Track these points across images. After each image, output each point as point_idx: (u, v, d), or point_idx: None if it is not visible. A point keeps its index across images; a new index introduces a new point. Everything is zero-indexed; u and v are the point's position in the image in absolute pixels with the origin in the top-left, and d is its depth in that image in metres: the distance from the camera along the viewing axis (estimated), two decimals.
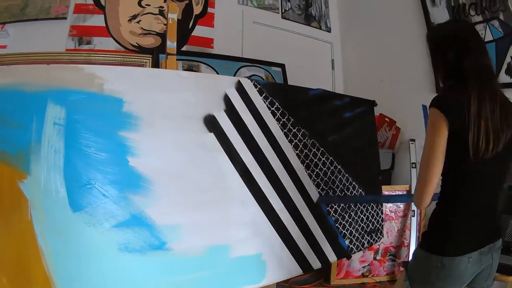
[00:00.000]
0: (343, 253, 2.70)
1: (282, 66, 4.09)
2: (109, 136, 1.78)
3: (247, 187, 2.18)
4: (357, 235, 2.78)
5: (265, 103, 2.29)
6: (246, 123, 2.20)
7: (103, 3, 3.36)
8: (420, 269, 1.71)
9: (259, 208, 2.23)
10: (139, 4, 3.46)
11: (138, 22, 3.45)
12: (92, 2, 3.33)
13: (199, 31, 3.74)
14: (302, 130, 2.46)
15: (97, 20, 3.33)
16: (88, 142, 1.73)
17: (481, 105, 1.55)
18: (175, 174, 1.95)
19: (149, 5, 3.48)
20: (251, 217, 2.20)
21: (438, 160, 1.59)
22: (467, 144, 1.54)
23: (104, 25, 3.35)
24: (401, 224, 3.48)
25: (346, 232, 2.70)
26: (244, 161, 2.18)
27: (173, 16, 2.31)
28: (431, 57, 1.92)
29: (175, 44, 2.33)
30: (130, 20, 3.43)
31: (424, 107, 2.00)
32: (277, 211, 2.29)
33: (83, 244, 1.73)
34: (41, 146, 1.67)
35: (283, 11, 4.35)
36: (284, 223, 2.33)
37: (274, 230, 2.28)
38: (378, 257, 3.46)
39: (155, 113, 1.89)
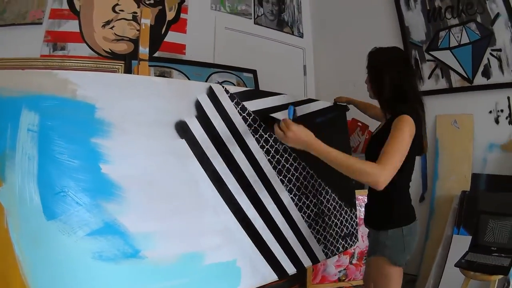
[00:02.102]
0: (318, 258, 2.69)
1: (253, 72, 4.09)
2: (82, 143, 1.76)
3: (219, 193, 2.17)
4: (331, 239, 2.79)
5: (236, 108, 2.28)
6: (217, 129, 2.19)
7: (78, 8, 3.32)
8: (397, 243, 2.10)
9: (232, 215, 2.22)
10: (113, 9, 3.43)
11: (111, 28, 3.42)
12: (67, 8, 3.30)
13: (172, 37, 3.71)
14: (274, 136, 2.42)
15: (72, 26, 3.29)
16: (61, 149, 1.71)
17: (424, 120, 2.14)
18: (148, 181, 1.93)
19: (122, 10, 3.45)
20: (224, 223, 2.19)
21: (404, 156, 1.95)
22: (419, 146, 2.14)
23: (79, 30, 3.32)
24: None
25: (321, 237, 2.69)
26: (216, 168, 2.17)
27: (146, 21, 2.30)
28: (372, 76, 2.26)
29: (147, 49, 2.32)
30: (103, 26, 3.40)
31: (291, 107, 2.16)
32: (250, 218, 2.28)
33: (58, 252, 1.70)
34: (15, 153, 1.65)
35: (255, 16, 4.36)
36: (258, 229, 2.32)
37: (247, 236, 2.27)
38: (354, 261, 3.50)
39: (127, 119, 1.87)
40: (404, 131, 1.95)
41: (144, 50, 2.28)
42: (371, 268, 2.27)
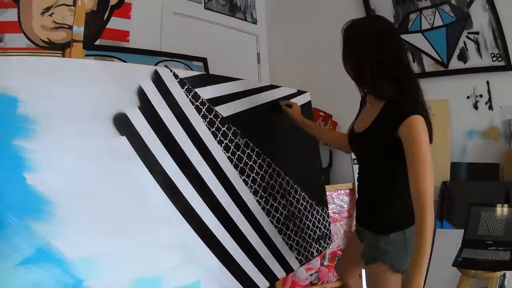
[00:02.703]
0: (292, 267, 2.48)
1: (204, 60, 3.93)
2: (2, 146, 1.42)
3: (172, 202, 1.85)
4: (304, 244, 2.59)
5: (187, 97, 1.96)
6: (165, 122, 1.86)
7: None
8: (399, 248, 1.88)
9: (189, 227, 1.90)
10: None
11: (51, 15, 3.12)
12: None
13: (114, 23, 3.43)
14: (233, 128, 2.18)
15: (10, 15, 3.00)
16: None
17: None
18: (83, 192, 1.59)
19: None
20: (182, 238, 1.88)
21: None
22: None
23: (17, 20, 3.03)
24: (347, 225, 3.42)
25: (293, 243, 2.48)
26: (166, 170, 1.83)
27: None
28: (349, 53, 1.95)
29: (82, 29, 1.94)
30: (43, 13, 3.10)
31: None
32: (211, 229, 1.98)
33: None
34: None
35: (206, 1, 4.17)
36: (221, 241, 2.03)
37: (210, 251, 1.98)
38: (325, 263, 3.35)
39: (55, 114, 1.54)
40: (422, 140, 1.69)
41: (78, 30, 1.90)
42: (367, 276, 2.06)
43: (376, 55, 1.79)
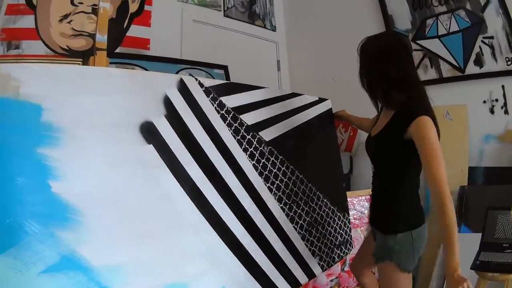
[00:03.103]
0: (314, 272, 2.47)
1: (224, 68, 3.94)
2: (26, 154, 1.41)
3: (199, 210, 1.84)
4: (326, 250, 2.57)
5: (213, 105, 1.96)
6: (191, 130, 1.86)
7: (35, 2, 3.04)
8: (406, 248, 1.97)
9: (216, 235, 1.89)
10: (72, 2, 3.15)
11: (69, 22, 3.15)
12: (24, 2, 3.03)
13: (134, 31, 3.47)
14: (258, 136, 2.18)
15: (27, 22, 3.02)
16: (2, 163, 1.39)
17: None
18: (109, 200, 1.58)
19: (82, 3, 3.16)
20: (207, 245, 1.87)
21: None
22: None
23: (34, 26, 3.04)
24: (367, 231, 3.30)
25: (315, 249, 2.46)
26: (193, 178, 1.83)
27: (105, 5, 1.97)
28: (362, 68, 2.12)
29: (105, 37, 1.97)
30: (61, 20, 3.13)
31: None
32: (236, 236, 1.98)
33: None
34: None
35: (225, 8, 4.20)
36: (247, 248, 2.02)
37: (236, 258, 1.98)
38: (346, 268, 3.33)
39: (81, 123, 1.53)
40: (431, 134, 1.82)
41: (101, 38, 1.94)
42: (379, 275, 2.16)
43: (385, 70, 1.94)
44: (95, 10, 3.15)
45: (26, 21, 3.02)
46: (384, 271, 2.06)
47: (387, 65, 1.93)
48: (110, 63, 2.97)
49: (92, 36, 3.14)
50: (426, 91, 2.01)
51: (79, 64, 3.04)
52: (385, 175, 2.11)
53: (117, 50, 3.32)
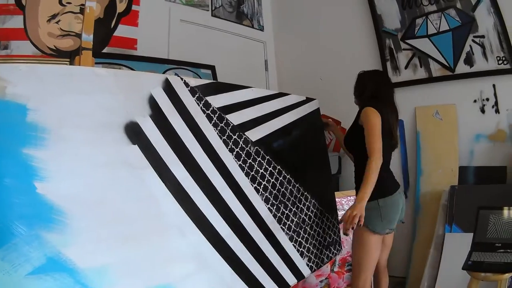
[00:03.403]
0: (303, 273, 2.46)
1: (212, 68, 3.91)
2: (12, 155, 1.39)
3: (184, 210, 1.81)
4: (315, 251, 2.56)
5: (199, 105, 1.94)
6: (177, 130, 1.84)
7: (24, 2, 3.00)
8: (374, 213, 2.41)
9: (201, 235, 1.87)
10: (60, 2, 3.09)
11: (57, 22, 3.09)
12: (13, 2, 2.98)
13: (122, 30, 3.42)
14: (244, 136, 2.16)
15: (16, 22, 2.97)
16: None
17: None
18: (95, 201, 1.56)
19: (70, 3, 3.10)
20: (194, 246, 1.85)
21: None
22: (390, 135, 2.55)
23: (23, 26, 3.00)
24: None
25: (304, 250, 2.45)
26: (178, 179, 1.80)
27: (91, 4, 1.92)
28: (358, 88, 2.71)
29: (91, 37, 1.92)
30: (49, 21, 3.07)
31: None
32: (223, 237, 1.96)
33: None
34: None
35: (213, 8, 4.16)
36: (233, 249, 2.00)
37: (222, 259, 1.95)
38: (335, 269, 3.34)
39: (66, 123, 1.51)
40: (371, 118, 2.43)
41: (87, 38, 1.90)
42: (353, 238, 2.56)
43: (363, 90, 2.66)
44: (82, 10, 3.14)
45: (16, 22, 2.99)
46: (356, 232, 2.47)
47: (366, 87, 2.64)
48: (97, 63, 2.95)
49: (79, 36, 3.13)
50: (394, 105, 2.63)
51: (66, 64, 3.01)
52: (356, 158, 2.60)
53: (104, 50, 3.29)
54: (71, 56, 3.03)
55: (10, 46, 2.95)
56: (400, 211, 2.55)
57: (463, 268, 2.63)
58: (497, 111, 3.36)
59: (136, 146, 1.69)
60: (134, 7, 3.50)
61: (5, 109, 1.38)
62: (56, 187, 1.46)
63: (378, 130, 2.39)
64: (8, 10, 2.96)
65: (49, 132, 1.46)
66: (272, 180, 2.29)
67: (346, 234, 2.35)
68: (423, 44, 3.66)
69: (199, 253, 1.87)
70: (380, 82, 2.70)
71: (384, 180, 2.45)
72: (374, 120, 2.41)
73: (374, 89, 2.62)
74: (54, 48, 3.07)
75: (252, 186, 2.16)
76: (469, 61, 3.45)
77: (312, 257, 2.52)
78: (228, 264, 1.97)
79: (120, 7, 3.43)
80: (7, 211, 1.37)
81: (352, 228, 2.30)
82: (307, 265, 2.47)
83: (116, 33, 3.38)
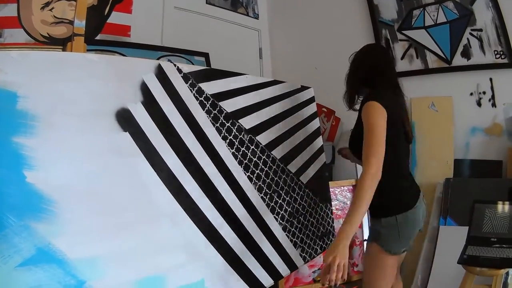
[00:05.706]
0: (296, 264, 2.44)
1: (206, 55, 3.87)
2: (1, 143, 1.37)
3: (176, 199, 1.80)
4: (308, 241, 2.55)
5: (191, 92, 1.91)
6: (169, 117, 1.81)
7: None
8: (391, 231, 2.08)
9: (193, 225, 1.85)
10: None
11: (51, 9, 3.04)
12: None
13: (115, 17, 3.36)
14: (237, 124, 2.14)
15: (10, 10, 2.93)
16: None
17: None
18: (85, 190, 1.54)
19: None
20: (185, 237, 1.83)
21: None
22: (400, 131, 2.17)
23: (16, 15, 2.95)
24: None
25: (297, 240, 2.44)
26: (170, 167, 1.78)
27: None
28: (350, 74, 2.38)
29: (83, 23, 1.89)
30: (43, 8, 3.03)
31: None
32: (215, 226, 1.94)
33: None
34: None
35: None
36: (226, 239, 1.99)
37: (214, 249, 1.94)
38: None
39: (57, 110, 1.48)
40: (373, 116, 2.00)
41: (80, 24, 1.86)
42: (366, 253, 2.29)
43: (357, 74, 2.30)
44: None
45: (9, 10, 2.95)
46: (370, 250, 2.17)
47: (359, 71, 2.29)
48: (91, 50, 2.92)
49: (72, 23, 3.10)
50: (400, 87, 2.26)
51: (59, 51, 2.96)
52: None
53: (98, 37, 3.23)
54: (64, 44, 3.00)
55: (3, 34, 2.91)
56: (420, 221, 2.20)
57: (458, 262, 2.61)
58: (493, 105, 3.34)
59: (127, 133, 1.67)
60: None
61: None
62: (45, 176, 1.44)
63: (380, 133, 1.95)
64: None
65: (39, 119, 1.44)
66: (265, 169, 2.27)
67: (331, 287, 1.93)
68: (420, 36, 3.64)
69: (191, 242, 1.86)
70: (380, 56, 2.32)
71: (404, 191, 2.16)
72: (376, 120, 1.98)
73: (371, 66, 2.25)
74: (48, 35, 3.03)
75: (245, 174, 2.15)
76: (466, 54, 3.43)
77: (306, 248, 2.50)
78: (220, 254, 1.97)
79: None
80: None
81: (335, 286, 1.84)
82: (300, 255, 2.46)
83: (109, 20, 3.32)
